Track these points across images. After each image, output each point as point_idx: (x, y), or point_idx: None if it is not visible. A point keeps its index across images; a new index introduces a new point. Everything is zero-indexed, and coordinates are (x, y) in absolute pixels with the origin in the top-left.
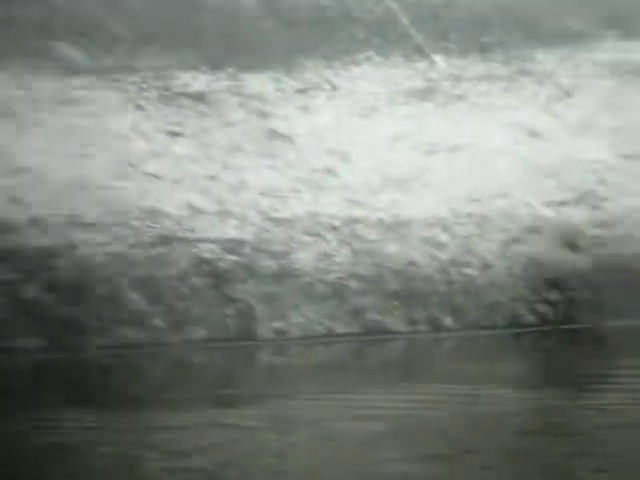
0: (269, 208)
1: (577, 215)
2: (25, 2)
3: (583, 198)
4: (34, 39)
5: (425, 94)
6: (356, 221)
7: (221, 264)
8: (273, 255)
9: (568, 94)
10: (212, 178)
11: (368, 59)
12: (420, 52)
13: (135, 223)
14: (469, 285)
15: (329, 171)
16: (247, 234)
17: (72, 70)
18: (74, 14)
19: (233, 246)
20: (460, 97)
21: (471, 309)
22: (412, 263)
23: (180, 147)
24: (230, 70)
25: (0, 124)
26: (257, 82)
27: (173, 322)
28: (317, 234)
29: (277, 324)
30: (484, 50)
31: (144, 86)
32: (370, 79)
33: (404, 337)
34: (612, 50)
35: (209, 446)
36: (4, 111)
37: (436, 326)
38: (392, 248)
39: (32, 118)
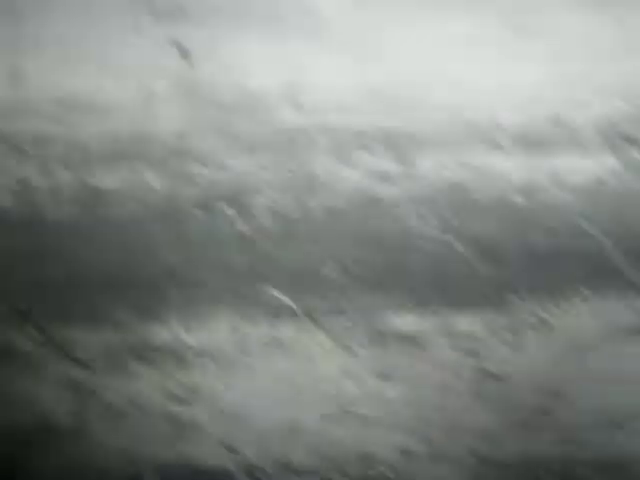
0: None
1: None
2: (235, 248)
3: None
4: (244, 284)
5: None
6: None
7: None
8: None
9: None
10: (425, 421)
11: (578, 293)
12: (634, 288)
13: (347, 468)
14: None
15: (544, 411)
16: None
17: (281, 314)
18: (280, 259)
19: None
20: None
21: None
22: None
23: (391, 390)
24: (438, 310)
25: (210, 369)
26: (465, 321)
27: None
28: None
29: None
30: None
31: (353, 328)
32: (581, 314)
33: None
34: None
35: None
36: (214, 354)
37: None
38: None
39: (242, 362)
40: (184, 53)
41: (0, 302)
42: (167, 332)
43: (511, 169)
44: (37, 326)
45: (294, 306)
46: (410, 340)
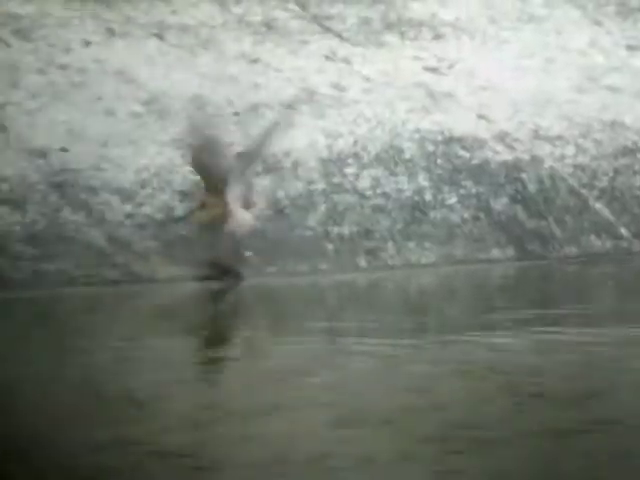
0: None
1: None
2: None
3: None
4: None
5: None
6: None
7: None
8: None
9: None
10: None
11: None
12: None
13: (597, 136)
14: None
15: None
16: None
17: None
18: None
19: None
20: None
21: None
22: None
23: (638, 60)
24: None
25: (465, 42)
26: None
27: (637, 231)
28: None
29: None
30: None
31: (602, 2)
32: None
33: None
34: None
35: None
36: (468, 28)
37: None
38: None
39: (495, 36)
40: None
41: None
42: (423, 6)
43: None
44: (299, 3)
45: None
46: None
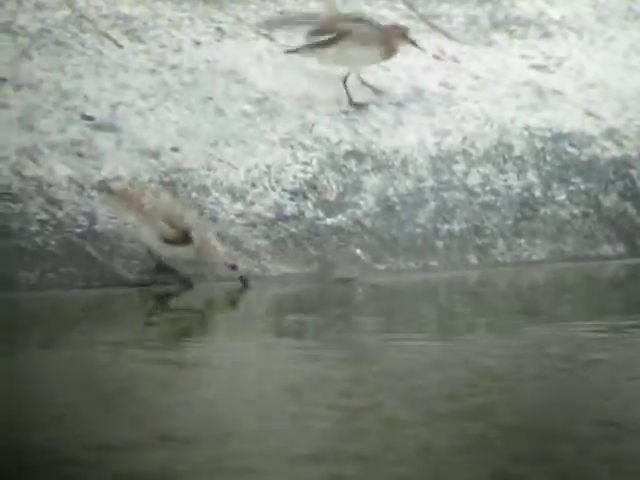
0: None
1: None
2: None
3: None
4: None
5: None
6: None
7: None
8: None
9: None
10: None
11: None
12: None
13: None
14: None
15: None
16: None
17: None
18: None
19: None
20: None
21: None
22: None
23: None
24: None
25: (573, 40)
26: None
27: None
28: None
29: None
30: None
31: None
32: None
33: None
34: None
35: None
36: (575, 26)
37: None
38: None
39: (602, 34)
40: None
41: None
42: (530, 5)
43: None
44: (406, 2)
45: None
46: None
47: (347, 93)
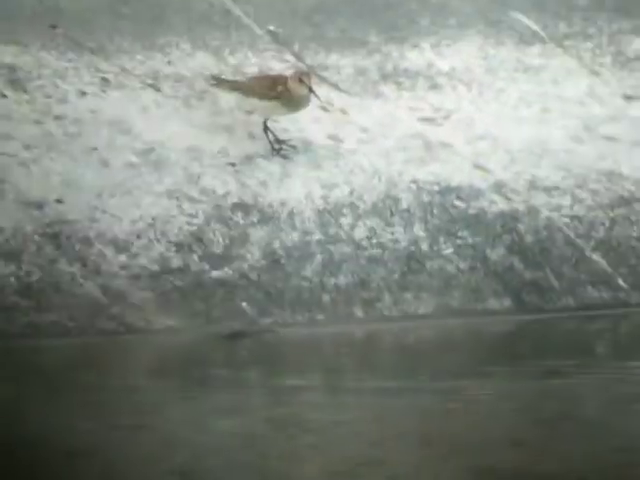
0: None
1: None
2: None
3: None
4: (492, 10)
5: None
6: None
7: None
8: None
9: None
10: None
11: None
12: None
13: (594, 186)
14: None
15: None
16: None
17: (528, 38)
18: None
19: None
20: None
21: None
22: None
23: (635, 110)
24: None
25: (462, 92)
26: None
27: (635, 283)
28: None
29: None
30: None
31: (598, 52)
32: None
33: None
34: None
35: None
36: (464, 78)
37: None
38: None
39: (492, 86)
40: None
41: (260, 27)
42: (419, 57)
43: None
44: (295, 53)
45: (541, 31)
46: None
47: (268, 141)
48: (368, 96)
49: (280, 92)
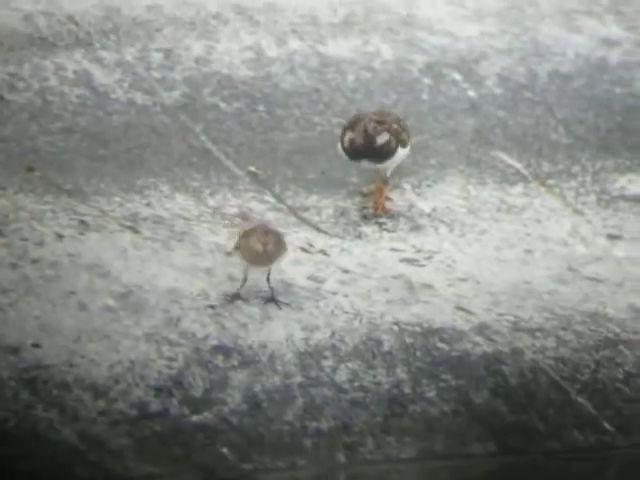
0: None
1: None
2: (464, 114)
3: None
4: (474, 149)
5: None
6: None
7: None
8: None
9: None
10: None
11: None
12: None
13: (578, 327)
14: None
15: None
16: None
17: (511, 177)
18: (509, 124)
19: None
20: None
21: None
22: None
23: (620, 250)
24: None
25: (443, 233)
26: None
27: (620, 426)
28: None
29: None
30: None
31: (582, 190)
32: None
33: None
34: None
35: None
36: (446, 219)
37: None
38: None
39: (474, 226)
40: None
41: (239, 168)
42: (400, 198)
43: None
44: (275, 194)
45: (524, 170)
46: (638, 201)
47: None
48: (349, 237)
49: (239, 244)
